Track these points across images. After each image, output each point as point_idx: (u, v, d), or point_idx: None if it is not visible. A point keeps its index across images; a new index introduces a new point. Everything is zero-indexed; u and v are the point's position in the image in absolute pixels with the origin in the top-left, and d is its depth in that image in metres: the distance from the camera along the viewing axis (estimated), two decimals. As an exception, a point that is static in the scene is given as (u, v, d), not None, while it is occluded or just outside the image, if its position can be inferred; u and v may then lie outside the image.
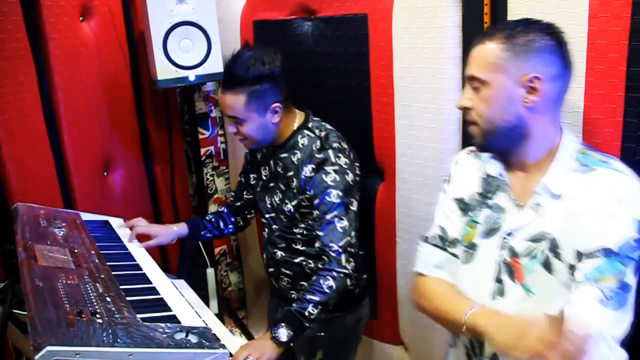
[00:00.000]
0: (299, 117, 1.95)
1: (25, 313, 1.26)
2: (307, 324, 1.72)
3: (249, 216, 2.25)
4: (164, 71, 2.34)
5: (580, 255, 1.22)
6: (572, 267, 1.24)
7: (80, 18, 2.30)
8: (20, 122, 2.05)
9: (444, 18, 1.78)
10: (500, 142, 1.33)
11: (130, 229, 2.06)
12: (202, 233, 2.20)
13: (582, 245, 1.22)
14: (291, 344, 1.70)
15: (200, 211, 2.90)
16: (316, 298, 1.73)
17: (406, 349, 2.34)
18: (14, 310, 1.52)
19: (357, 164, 1.90)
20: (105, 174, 2.52)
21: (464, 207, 1.46)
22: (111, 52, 2.45)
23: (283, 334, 1.68)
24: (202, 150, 2.93)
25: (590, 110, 1.51)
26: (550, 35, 1.27)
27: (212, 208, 3.08)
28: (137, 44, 2.55)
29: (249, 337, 2.16)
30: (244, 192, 2.19)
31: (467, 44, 1.76)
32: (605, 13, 1.43)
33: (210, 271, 2.57)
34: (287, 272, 2.03)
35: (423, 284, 1.49)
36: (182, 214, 2.91)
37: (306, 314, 1.71)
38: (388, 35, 1.96)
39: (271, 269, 2.09)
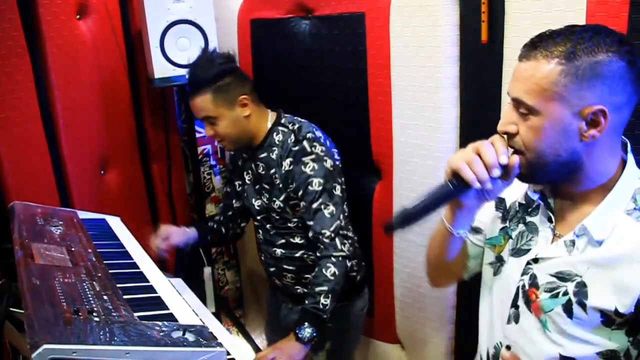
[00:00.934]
0: (271, 116, 2.00)
1: (22, 311, 1.25)
2: (324, 316, 1.77)
3: (242, 224, 2.27)
4: (161, 70, 2.34)
5: (620, 313, 1.09)
6: (607, 318, 1.12)
7: (77, 16, 2.29)
8: (17, 121, 2.05)
9: (442, 17, 1.78)
10: (547, 177, 1.16)
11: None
12: (210, 238, 2.26)
13: (623, 302, 1.09)
14: (315, 341, 1.76)
15: (197, 209, 2.90)
16: (324, 288, 1.78)
17: (403, 348, 2.34)
18: (11, 309, 1.52)
19: (335, 149, 1.96)
20: (102, 172, 2.52)
21: (503, 210, 1.35)
22: (108, 50, 2.45)
23: (307, 332, 1.74)
24: (199, 149, 2.93)
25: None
26: (622, 54, 1.04)
27: (209, 207, 3.07)
28: (134, 43, 2.54)
29: (246, 335, 2.16)
30: (233, 201, 2.21)
31: (465, 43, 1.77)
32: (603, 12, 1.43)
33: (207, 270, 2.57)
34: (290, 267, 2.05)
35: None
36: (179, 213, 2.90)
37: (320, 306, 1.76)
38: (385, 34, 1.96)
39: (272, 268, 2.10)
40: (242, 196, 2.14)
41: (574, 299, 1.14)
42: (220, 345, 1.21)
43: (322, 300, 1.76)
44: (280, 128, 1.96)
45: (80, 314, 1.22)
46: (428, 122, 1.91)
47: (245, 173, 2.09)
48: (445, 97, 1.84)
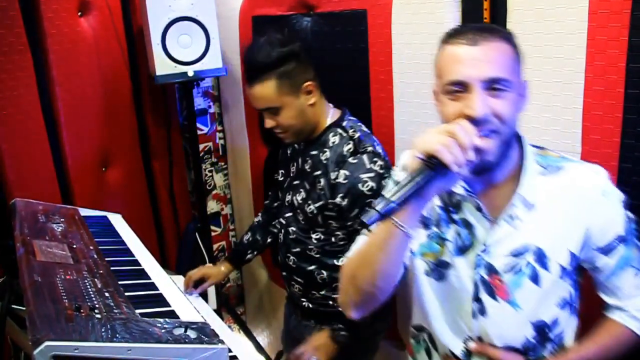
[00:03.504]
0: (333, 113, 1.85)
1: (23, 308, 1.26)
2: (360, 329, 1.76)
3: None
4: (162, 67, 2.34)
5: (573, 256, 1.25)
6: (564, 270, 1.25)
7: (79, 13, 2.29)
8: (19, 118, 2.05)
9: (444, 14, 1.78)
10: (504, 155, 1.22)
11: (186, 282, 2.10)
12: (248, 258, 2.23)
13: (574, 244, 1.24)
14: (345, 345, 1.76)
15: (198, 207, 2.90)
16: None
17: (404, 347, 2.34)
18: (13, 306, 1.52)
19: (392, 167, 1.75)
20: (103, 169, 2.51)
21: (422, 218, 1.33)
22: (109, 47, 2.44)
23: (341, 337, 1.75)
24: (201, 146, 2.92)
25: (590, 107, 1.51)
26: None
27: (211, 204, 3.08)
28: (136, 40, 2.54)
29: (248, 332, 2.16)
30: (279, 192, 2.10)
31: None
32: (605, 9, 1.43)
33: (208, 267, 2.57)
34: (299, 279, 1.97)
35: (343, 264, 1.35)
36: (180, 210, 2.91)
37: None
38: (387, 31, 1.96)
39: (284, 273, 2.04)
40: (282, 187, 2.04)
41: (537, 265, 1.24)
42: (221, 342, 1.21)
43: (338, 303, 1.74)
44: (339, 130, 1.79)
45: (82, 310, 1.22)
46: (429, 119, 1.90)
47: (291, 164, 1.97)
48: (447, 94, 1.84)
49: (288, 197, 1.95)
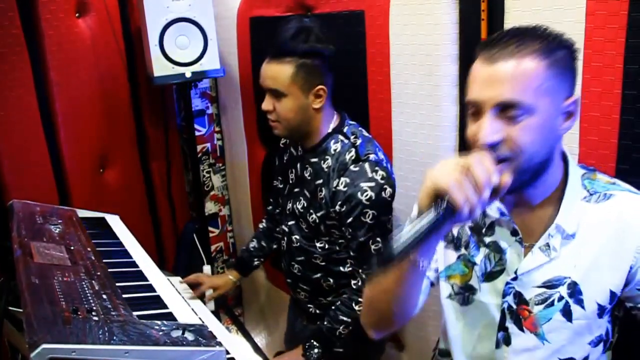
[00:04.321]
0: (335, 119, 1.81)
1: (21, 310, 1.25)
2: (337, 344, 1.75)
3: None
4: (160, 68, 2.34)
5: (613, 295, 1.14)
6: (601, 308, 1.15)
7: (76, 14, 2.28)
8: (16, 119, 2.05)
9: (441, 15, 1.78)
10: (526, 181, 1.11)
11: (192, 288, 2.09)
12: (255, 265, 2.23)
13: (615, 283, 1.13)
14: None
15: (196, 208, 2.90)
16: (347, 320, 1.74)
17: (403, 347, 2.34)
18: (10, 308, 1.52)
19: (394, 176, 1.76)
20: (101, 170, 2.51)
21: (453, 239, 1.29)
22: (107, 48, 2.44)
23: (315, 353, 1.74)
24: (199, 147, 2.92)
25: (587, 108, 1.51)
26: (568, 45, 1.10)
27: (209, 205, 3.07)
28: (134, 41, 2.54)
29: (246, 334, 2.16)
30: (279, 199, 2.07)
31: (464, 41, 1.77)
32: (603, 10, 1.43)
33: (206, 268, 2.56)
34: (305, 287, 1.95)
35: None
36: (178, 211, 2.90)
37: (337, 334, 1.74)
38: (385, 32, 1.96)
39: (289, 280, 2.03)
40: (281, 194, 2.00)
41: (570, 301, 1.14)
42: (219, 344, 1.21)
43: (341, 329, 1.73)
44: (340, 137, 1.76)
45: (79, 313, 1.21)
46: (427, 121, 1.91)
47: (289, 171, 1.93)
48: (444, 95, 1.84)
49: (289, 205, 1.92)
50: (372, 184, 1.65)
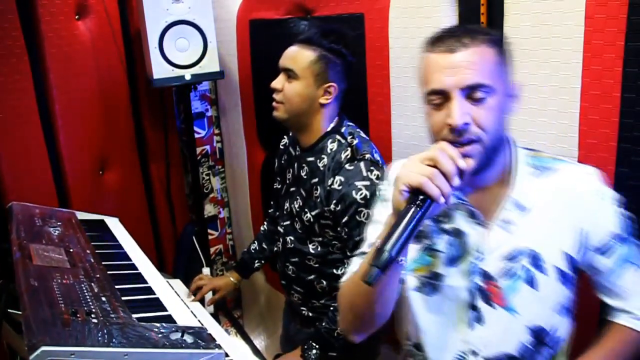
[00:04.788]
0: (334, 120, 1.83)
1: (20, 312, 1.25)
2: (335, 345, 1.74)
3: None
4: (160, 70, 2.34)
5: (570, 259, 1.23)
6: (562, 273, 1.23)
7: (76, 17, 2.29)
8: (16, 121, 2.05)
9: (441, 18, 1.78)
10: (487, 160, 1.18)
11: (194, 293, 2.09)
12: (256, 267, 2.23)
13: (569, 246, 1.23)
14: None
15: (195, 210, 2.90)
16: None
17: (399, 348, 2.34)
18: (9, 310, 1.52)
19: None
20: (100, 172, 2.51)
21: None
22: (107, 50, 2.45)
23: (313, 354, 1.75)
24: (198, 150, 2.92)
25: (586, 111, 1.51)
26: (504, 41, 1.24)
27: (208, 207, 3.07)
28: (133, 43, 2.54)
29: (245, 336, 2.16)
30: (278, 200, 2.07)
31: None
32: (602, 13, 1.43)
33: (206, 270, 2.56)
34: (298, 288, 1.95)
35: (339, 289, 1.32)
36: (177, 214, 2.90)
37: (335, 335, 1.73)
38: (384, 35, 1.96)
39: (283, 282, 2.03)
40: (278, 194, 2.02)
41: (533, 269, 1.22)
42: (218, 346, 1.21)
43: (339, 330, 1.72)
44: (337, 137, 1.77)
45: (78, 315, 1.22)
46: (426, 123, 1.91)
47: (287, 171, 1.95)
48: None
49: (286, 205, 1.93)
50: (367, 183, 1.66)
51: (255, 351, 1.88)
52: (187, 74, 2.39)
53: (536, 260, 1.22)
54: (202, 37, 2.38)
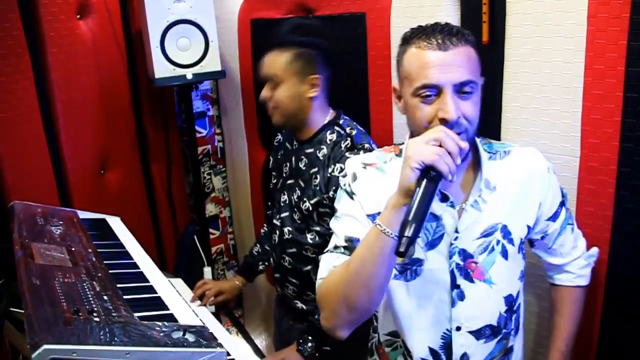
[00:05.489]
0: (330, 113, 1.89)
1: (22, 311, 1.25)
2: (330, 337, 1.73)
3: None
4: (161, 69, 2.34)
5: (529, 230, 1.39)
6: (521, 242, 1.38)
7: (78, 16, 2.29)
8: (17, 120, 2.05)
9: (443, 17, 1.77)
10: (470, 148, 1.29)
11: (200, 298, 2.10)
12: (260, 269, 2.24)
13: (531, 218, 1.38)
14: (316, 355, 1.75)
15: (196, 210, 2.90)
16: None
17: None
18: (11, 309, 1.52)
19: None
20: (102, 172, 2.51)
21: None
22: (108, 50, 2.44)
23: (309, 347, 1.76)
24: (199, 149, 2.92)
25: (589, 110, 1.52)
26: None
27: (209, 207, 3.07)
28: (135, 42, 2.54)
29: (246, 336, 2.16)
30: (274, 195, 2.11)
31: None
32: (605, 13, 1.43)
33: (207, 270, 2.56)
34: (294, 280, 1.96)
35: (321, 286, 1.34)
36: (178, 213, 2.90)
37: None
38: (386, 35, 1.96)
39: (277, 275, 2.04)
40: (274, 189, 2.04)
41: (504, 241, 1.33)
42: (220, 345, 1.21)
43: (326, 327, 1.73)
44: (336, 128, 1.83)
45: (80, 314, 1.21)
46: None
47: (284, 165, 1.98)
48: (446, 97, 1.84)
49: (283, 198, 1.95)
50: None
51: (256, 350, 1.88)
52: (189, 74, 2.38)
53: (507, 234, 1.34)
54: (203, 37, 2.38)
